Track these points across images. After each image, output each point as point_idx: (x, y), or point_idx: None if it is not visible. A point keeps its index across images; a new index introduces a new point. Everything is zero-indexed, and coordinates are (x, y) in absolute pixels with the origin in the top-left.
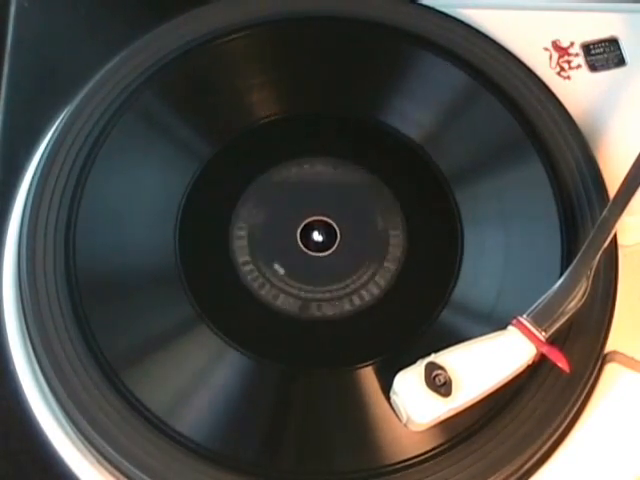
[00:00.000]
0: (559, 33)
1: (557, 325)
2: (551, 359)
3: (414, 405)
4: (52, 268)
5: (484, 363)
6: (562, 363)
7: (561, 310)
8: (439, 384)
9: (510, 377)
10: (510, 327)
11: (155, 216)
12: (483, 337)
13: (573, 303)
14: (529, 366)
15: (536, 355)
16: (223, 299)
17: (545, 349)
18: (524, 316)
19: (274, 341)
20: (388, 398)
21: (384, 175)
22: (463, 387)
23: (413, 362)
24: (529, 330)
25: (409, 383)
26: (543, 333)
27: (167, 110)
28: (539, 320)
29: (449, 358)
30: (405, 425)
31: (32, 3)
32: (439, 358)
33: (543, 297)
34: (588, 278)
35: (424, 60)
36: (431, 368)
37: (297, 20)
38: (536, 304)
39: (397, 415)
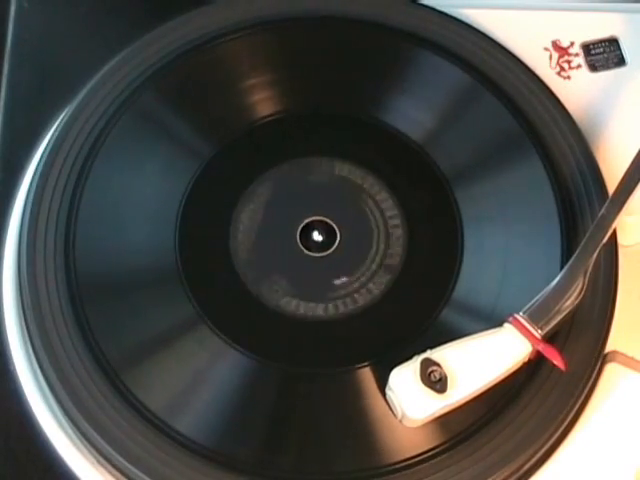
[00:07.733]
0: (559, 33)
1: (553, 323)
2: (547, 357)
3: (409, 401)
4: (52, 268)
5: (480, 360)
6: (557, 361)
7: (557, 308)
8: (434, 380)
9: (506, 374)
10: (506, 324)
11: (155, 216)
12: (479, 334)
13: (570, 301)
14: (525, 364)
15: (532, 353)
16: (223, 299)
17: (541, 347)
18: (520, 313)
19: (274, 341)
20: (385, 395)
21: (384, 175)
22: (458, 384)
23: (410, 359)
24: (525, 327)
25: (404, 379)
26: (539, 331)
27: (167, 110)
28: (535, 318)
29: (445, 354)
30: (400, 421)
31: (32, 3)
32: (435, 354)
33: (540, 295)
34: (585, 276)
35: (424, 60)
36: (427, 364)
37: (297, 20)
38: (532, 302)
39: (392, 411)
